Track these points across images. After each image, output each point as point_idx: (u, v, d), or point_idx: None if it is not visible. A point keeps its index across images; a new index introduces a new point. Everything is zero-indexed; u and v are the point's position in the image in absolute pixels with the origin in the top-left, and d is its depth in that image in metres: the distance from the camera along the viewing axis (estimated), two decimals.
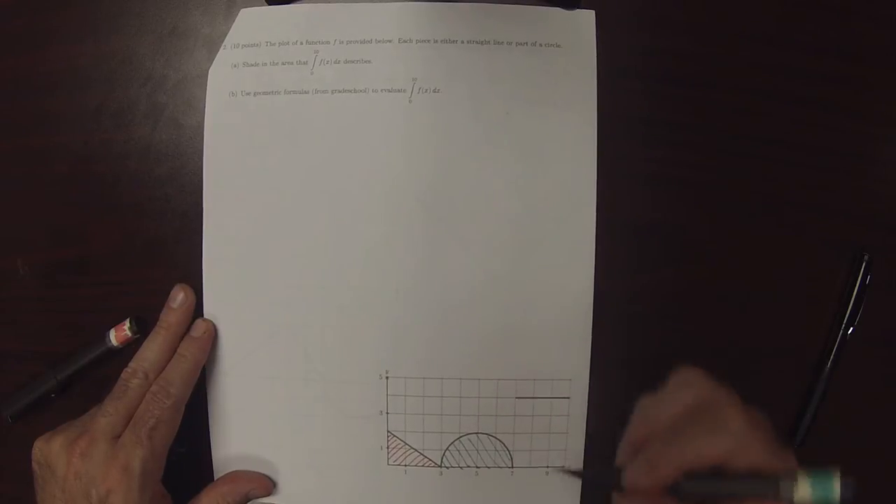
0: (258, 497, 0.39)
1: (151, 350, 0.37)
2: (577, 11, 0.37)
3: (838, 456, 0.39)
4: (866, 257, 0.38)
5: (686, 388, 0.28)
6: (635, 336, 0.38)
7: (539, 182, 0.37)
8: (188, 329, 0.38)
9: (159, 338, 0.37)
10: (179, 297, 0.38)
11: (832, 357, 0.38)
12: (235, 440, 0.39)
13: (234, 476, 0.39)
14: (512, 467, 0.38)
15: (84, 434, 0.35)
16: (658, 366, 0.38)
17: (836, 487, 0.25)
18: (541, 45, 0.37)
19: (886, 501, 0.40)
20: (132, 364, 0.37)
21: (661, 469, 0.26)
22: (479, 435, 0.38)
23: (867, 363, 0.39)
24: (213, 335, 0.38)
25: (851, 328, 0.38)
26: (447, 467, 0.38)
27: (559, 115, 0.37)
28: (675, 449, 0.26)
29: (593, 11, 0.37)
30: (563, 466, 0.37)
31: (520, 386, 0.38)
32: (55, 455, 0.34)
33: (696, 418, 0.26)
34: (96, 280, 0.39)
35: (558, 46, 0.37)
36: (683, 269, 0.38)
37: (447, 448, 0.38)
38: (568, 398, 0.37)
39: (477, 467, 0.38)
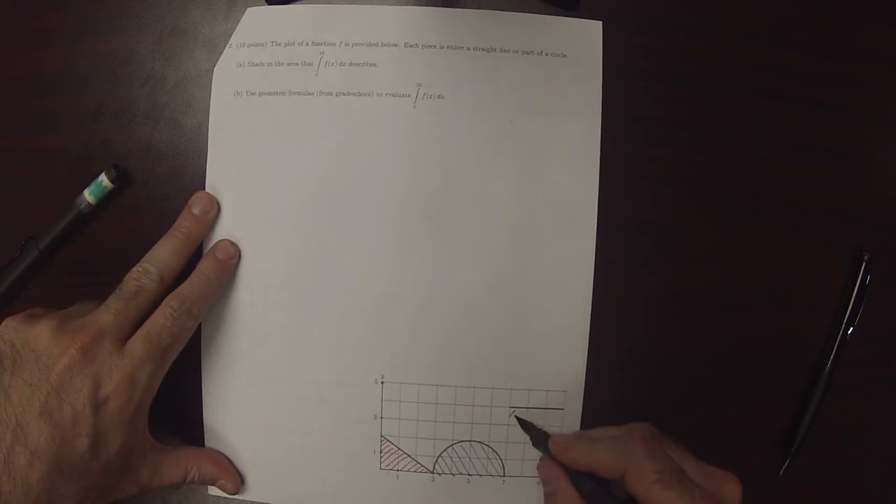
0: (223, 490, 0.37)
1: (165, 251, 0.34)
2: (585, 22, 0.37)
3: (838, 456, 0.40)
4: (866, 257, 0.38)
5: (626, 428, 0.33)
6: (635, 336, 0.38)
7: (541, 191, 0.37)
8: (203, 247, 0.36)
9: (175, 241, 0.35)
10: (202, 204, 0.36)
11: (832, 357, 0.38)
12: (229, 438, 0.39)
13: (217, 459, 0.37)
14: (503, 476, 0.38)
15: (84, 327, 0.31)
16: (659, 366, 0.39)
17: None
18: (547, 54, 0.37)
19: (886, 501, 0.40)
20: (143, 263, 0.34)
21: (572, 450, 0.33)
22: (472, 443, 0.38)
23: (867, 363, 0.39)
24: (237, 263, 0.36)
25: (851, 328, 0.38)
26: (439, 473, 0.38)
27: (563, 124, 0.37)
28: (588, 445, 0.32)
29: (600, 22, 0.37)
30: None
31: (514, 396, 0.38)
32: (43, 340, 0.30)
33: (618, 441, 0.32)
34: (96, 280, 0.39)
35: (564, 56, 0.37)
36: (683, 269, 0.38)
37: (440, 454, 0.38)
38: (562, 409, 0.37)
39: (469, 475, 0.38)
